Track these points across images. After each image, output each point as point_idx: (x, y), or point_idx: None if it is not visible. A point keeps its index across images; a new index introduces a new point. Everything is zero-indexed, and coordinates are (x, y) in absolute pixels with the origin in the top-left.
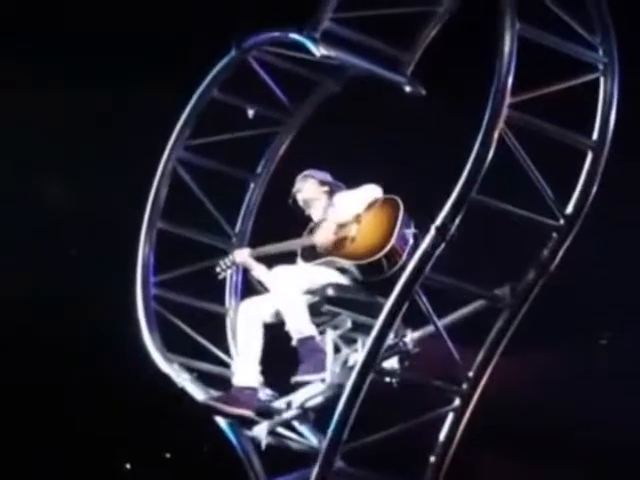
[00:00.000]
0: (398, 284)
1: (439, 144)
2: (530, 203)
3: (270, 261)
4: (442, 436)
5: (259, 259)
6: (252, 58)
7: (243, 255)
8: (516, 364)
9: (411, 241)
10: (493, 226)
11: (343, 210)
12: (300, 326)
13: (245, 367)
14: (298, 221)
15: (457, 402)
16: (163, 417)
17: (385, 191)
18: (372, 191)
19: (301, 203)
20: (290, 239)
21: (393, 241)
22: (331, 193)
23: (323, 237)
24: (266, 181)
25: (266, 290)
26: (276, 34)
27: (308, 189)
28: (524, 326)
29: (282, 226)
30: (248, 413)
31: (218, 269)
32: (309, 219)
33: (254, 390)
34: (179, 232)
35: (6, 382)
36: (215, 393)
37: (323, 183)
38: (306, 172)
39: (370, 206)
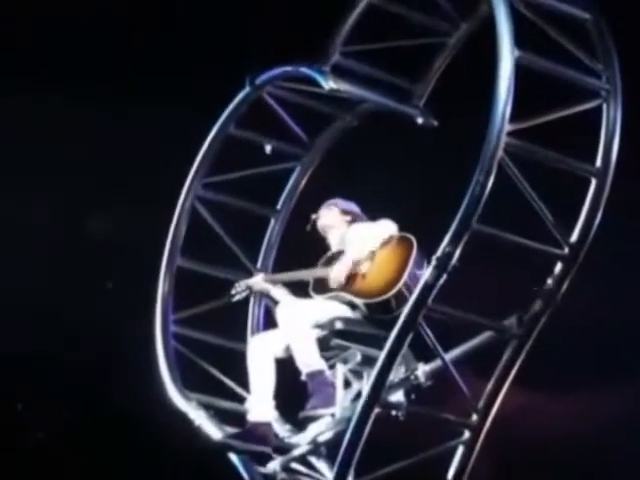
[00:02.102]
0: (401, 316)
1: (441, 173)
2: (535, 232)
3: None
4: (452, 469)
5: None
6: (267, 93)
7: (259, 281)
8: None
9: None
10: (501, 256)
11: (359, 245)
12: (309, 360)
13: (259, 402)
14: (317, 248)
15: (467, 435)
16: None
17: (399, 224)
18: (387, 227)
19: (319, 229)
20: (305, 268)
21: (403, 282)
22: (352, 223)
23: (338, 273)
24: (287, 216)
25: None
26: (288, 69)
27: (328, 216)
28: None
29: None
30: (265, 449)
31: (233, 291)
32: (328, 247)
33: (269, 425)
34: (199, 269)
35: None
36: (231, 430)
37: (345, 212)
38: (332, 200)
39: (385, 243)
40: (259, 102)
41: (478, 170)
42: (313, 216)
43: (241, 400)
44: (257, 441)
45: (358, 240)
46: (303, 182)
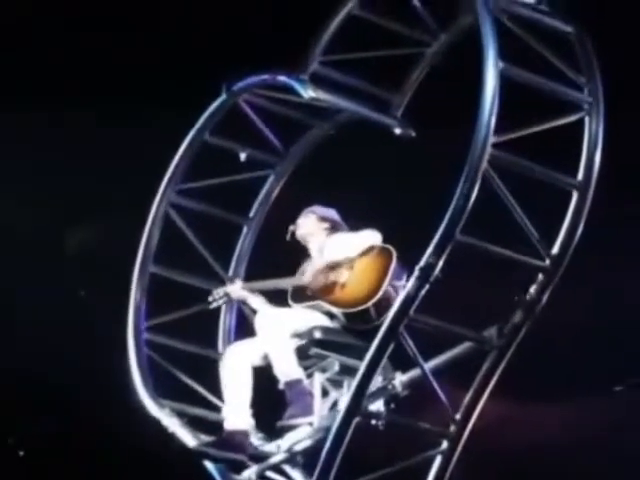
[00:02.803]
0: (383, 326)
1: (424, 182)
2: (517, 243)
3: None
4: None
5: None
6: (243, 101)
7: (236, 289)
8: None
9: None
10: (481, 267)
11: (337, 251)
12: (287, 369)
13: (235, 411)
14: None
15: (444, 445)
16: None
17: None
18: (370, 237)
19: (299, 238)
20: (284, 277)
21: (381, 293)
22: (332, 231)
23: (311, 275)
24: (259, 224)
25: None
26: (265, 77)
27: (306, 225)
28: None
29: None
30: (240, 457)
31: (210, 298)
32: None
33: (245, 433)
34: (172, 276)
35: None
36: (206, 438)
37: (324, 219)
38: (310, 208)
39: (365, 253)
40: (234, 110)
41: (462, 181)
42: (291, 227)
43: (213, 407)
44: (233, 449)
45: (337, 247)
46: (276, 190)
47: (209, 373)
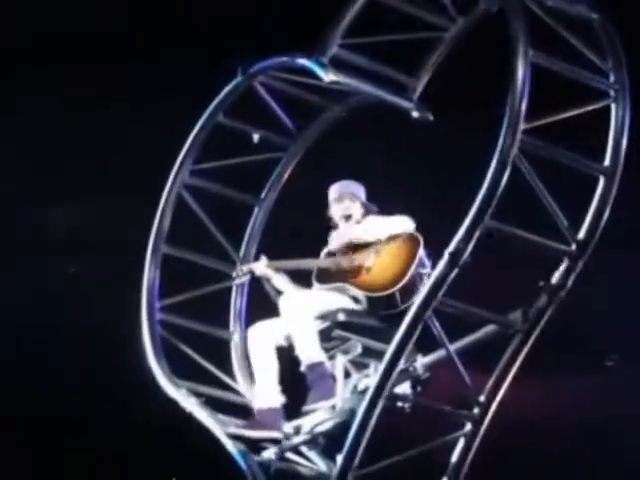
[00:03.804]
0: (411, 310)
1: (451, 168)
2: (544, 228)
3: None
4: (453, 461)
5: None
6: (258, 83)
7: (261, 266)
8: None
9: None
10: (506, 250)
11: (367, 234)
12: (310, 352)
13: (265, 389)
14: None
15: (468, 427)
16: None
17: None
18: (403, 223)
19: (334, 217)
20: (308, 257)
21: (406, 280)
22: (365, 215)
23: (338, 257)
24: (270, 206)
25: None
26: (284, 59)
27: (356, 210)
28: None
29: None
30: (275, 434)
31: (234, 274)
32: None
33: (278, 411)
34: (184, 256)
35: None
36: (224, 418)
37: (364, 206)
38: (350, 188)
39: (394, 238)
40: (247, 91)
41: (493, 166)
42: (343, 207)
43: (227, 387)
44: (268, 427)
45: (369, 230)
46: (288, 172)
47: (221, 353)
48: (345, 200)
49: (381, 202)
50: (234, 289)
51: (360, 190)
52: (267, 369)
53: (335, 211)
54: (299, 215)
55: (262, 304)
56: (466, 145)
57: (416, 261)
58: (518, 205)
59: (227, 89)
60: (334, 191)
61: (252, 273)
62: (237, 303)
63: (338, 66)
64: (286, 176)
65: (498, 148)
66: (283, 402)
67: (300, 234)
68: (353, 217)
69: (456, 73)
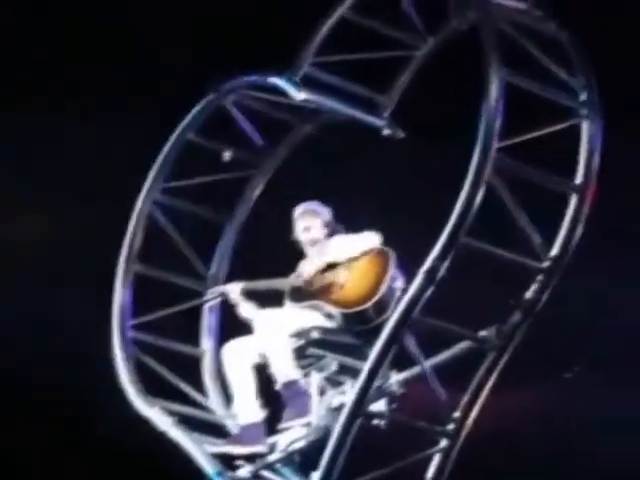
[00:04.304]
0: (386, 327)
1: (424, 186)
2: (519, 244)
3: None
4: (429, 477)
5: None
6: (228, 102)
7: (235, 290)
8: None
9: (398, 295)
10: (480, 267)
11: (336, 252)
12: (284, 370)
13: (245, 405)
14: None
15: (444, 442)
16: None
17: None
18: (370, 239)
19: (304, 241)
20: (281, 277)
21: (379, 295)
22: (331, 233)
23: (310, 276)
24: (241, 224)
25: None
26: (255, 78)
27: (315, 228)
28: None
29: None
30: (259, 449)
31: (207, 296)
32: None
33: (260, 425)
34: (155, 275)
35: None
36: (197, 437)
37: (328, 224)
38: (311, 206)
39: (364, 254)
40: (218, 109)
41: (468, 184)
42: (302, 226)
43: (199, 405)
44: (251, 443)
45: (337, 249)
46: (259, 190)
47: (192, 371)
48: (306, 217)
49: (354, 221)
50: (205, 306)
51: (322, 209)
52: (245, 385)
53: (298, 229)
54: (271, 233)
55: (234, 321)
56: (441, 162)
57: (388, 275)
58: (493, 222)
59: (198, 107)
60: (296, 210)
61: (224, 296)
62: (208, 320)
63: (310, 84)
64: (257, 194)
65: (472, 166)
66: (265, 416)
67: (273, 252)
68: (318, 240)
69: (428, 90)
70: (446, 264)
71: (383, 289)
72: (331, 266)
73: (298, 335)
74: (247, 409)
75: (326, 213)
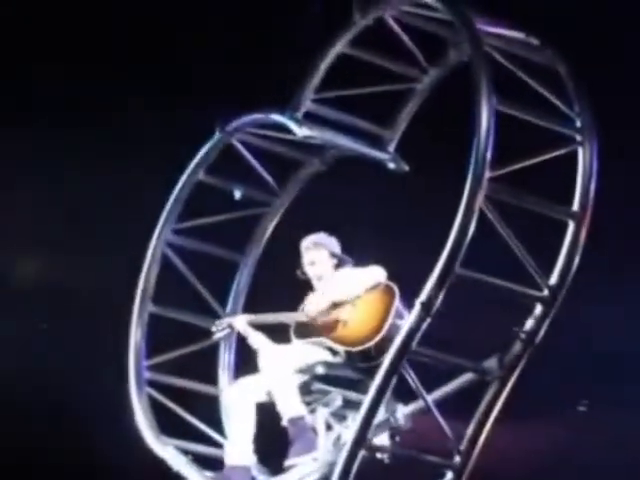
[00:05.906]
0: (385, 359)
1: (421, 218)
2: (516, 274)
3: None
4: None
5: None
6: (236, 140)
7: (242, 322)
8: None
9: None
10: (480, 298)
11: (342, 287)
12: (290, 406)
13: (238, 446)
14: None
15: (449, 476)
16: None
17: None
18: (375, 275)
19: (310, 275)
20: (287, 311)
21: (383, 333)
22: (337, 267)
23: (315, 312)
24: (255, 262)
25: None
26: (258, 116)
27: (320, 261)
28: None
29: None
30: None
31: (213, 328)
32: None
33: (247, 469)
34: (170, 315)
35: None
36: (210, 475)
37: (333, 256)
38: (317, 239)
39: (369, 290)
40: (228, 148)
41: (460, 215)
42: (307, 259)
43: (216, 444)
44: None
45: (343, 284)
46: (271, 227)
47: (210, 410)
48: (311, 250)
49: (357, 252)
50: (221, 345)
51: (328, 240)
52: (244, 427)
53: (305, 261)
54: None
55: (252, 359)
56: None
57: (392, 313)
58: (492, 252)
59: (206, 147)
60: (303, 242)
61: (231, 327)
62: (225, 358)
63: (312, 120)
64: (269, 231)
65: (464, 196)
66: (254, 460)
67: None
68: (323, 275)
69: (427, 123)
70: (442, 295)
71: (386, 327)
72: (337, 303)
73: (302, 371)
74: (239, 451)
75: (332, 244)
